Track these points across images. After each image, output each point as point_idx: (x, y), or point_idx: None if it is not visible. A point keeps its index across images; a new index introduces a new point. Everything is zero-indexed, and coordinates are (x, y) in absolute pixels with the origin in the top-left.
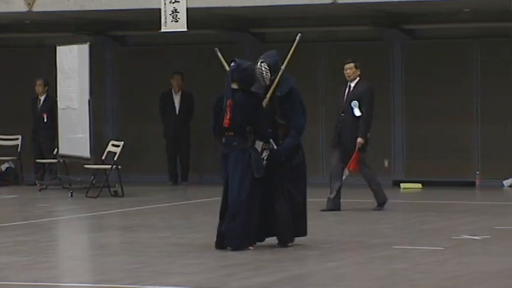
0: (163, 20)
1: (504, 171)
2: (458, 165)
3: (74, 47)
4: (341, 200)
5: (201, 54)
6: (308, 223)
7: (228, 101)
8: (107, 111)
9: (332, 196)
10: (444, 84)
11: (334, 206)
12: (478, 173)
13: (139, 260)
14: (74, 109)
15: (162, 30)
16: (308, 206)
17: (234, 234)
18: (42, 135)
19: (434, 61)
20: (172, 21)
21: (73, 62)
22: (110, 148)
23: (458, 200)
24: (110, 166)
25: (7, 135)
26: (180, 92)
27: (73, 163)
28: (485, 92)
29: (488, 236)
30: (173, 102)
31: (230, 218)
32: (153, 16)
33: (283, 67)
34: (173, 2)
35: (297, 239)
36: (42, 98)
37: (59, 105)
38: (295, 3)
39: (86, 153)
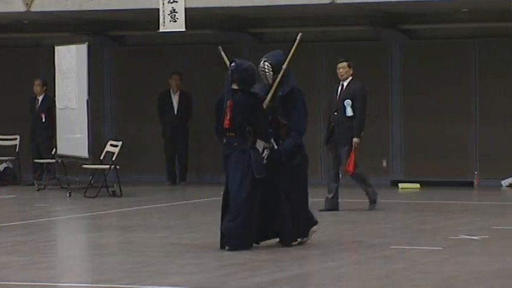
0: (161, 20)
1: (502, 171)
2: (456, 165)
3: (73, 47)
4: (339, 200)
5: (200, 54)
6: None
7: (228, 102)
8: (105, 111)
9: (330, 196)
10: (442, 84)
11: (332, 206)
12: (476, 173)
13: (137, 260)
14: (73, 109)
15: (160, 30)
16: None
17: (234, 234)
18: (41, 135)
19: (432, 61)
20: (170, 21)
21: (71, 62)
22: (108, 148)
23: (456, 200)
24: (108, 166)
25: (5, 135)
26: (178, 92)
27: (71, 163)
28: (484, 92)
29: (487, 236)
30: (171, 102)
31: (230, 218)
32: (151, 16)
33: (284, 66)
34: (172, 2)
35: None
36: (40, 98)
37: (58, 105)
38: (293, 3)
39: (84, 153)
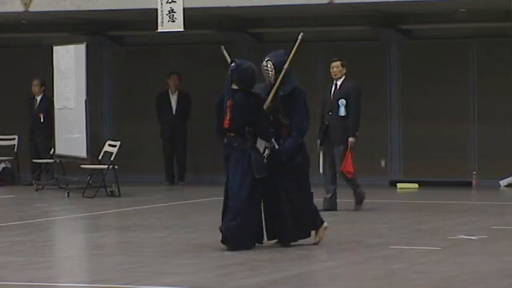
0: (159, 20)
1: (501, 171)
2: (454, 165)
3: (71, 47)
4: (338, 200)
5: (198, 54)
6: None
7: (228, 102)
8: (104, 111)
9: (329, 196)
10: (441, 84)
11: (331, 206)
12: (474, 173)
13: (136, 260)
14: (71, 109)
15: (159, 30)
16: None
17: (233, 234)
18: (39, 135)
19: (430, 61)
20: (168, 21)
21: (69, 62)
22: (106, 148)
23: (454, 200)
24: (106, 166)
25: (4, 135)
26: (177, 92)
27: (70, 163)
28: (482, 92)
29: (485, 236)
30: (170, 102)
31: (230, 218)
32: (150, 16)
33: (285, 66)
34: (170, 2)
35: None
36: (39, 98)
37: (56, 105)
38: (292, 3)
39: (82, 153)
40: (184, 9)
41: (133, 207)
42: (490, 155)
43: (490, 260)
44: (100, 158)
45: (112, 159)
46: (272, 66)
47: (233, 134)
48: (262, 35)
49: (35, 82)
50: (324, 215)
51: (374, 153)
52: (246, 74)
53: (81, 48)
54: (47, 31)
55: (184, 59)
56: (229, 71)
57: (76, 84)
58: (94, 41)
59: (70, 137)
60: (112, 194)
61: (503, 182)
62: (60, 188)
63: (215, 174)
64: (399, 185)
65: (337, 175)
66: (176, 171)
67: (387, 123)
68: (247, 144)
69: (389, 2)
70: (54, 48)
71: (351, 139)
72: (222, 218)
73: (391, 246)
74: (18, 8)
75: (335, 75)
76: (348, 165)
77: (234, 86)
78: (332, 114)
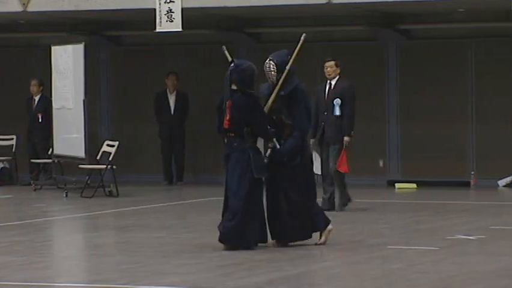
0: (158, 20)
1: (499, 171)
2: (453, 165)
3: (69, 47)
4: (335, 201)
5: (196, 54)
6: None
7: (227, 102)
8: (102, 111)
9: (327, 196)
10: (439, 84)
11: (329, 206)
12: (472, 173)
13: (134, 260)
14: (69, 109)
15: (157, 30)
16: None
17: (231, 234)
18: (37, 135)
19: (429, 61)
20: (167, 21)
21: (67, 62)
22: (105, 148)
23: (453, 200)
24: (105, 166)
25: (2, 135)
26: (175, 92)
27: (68, 163)
28: (481, 92)
29: (483, 236)
30: (168, 102)
31: (228, 218)
32: (148, 16)
33: (287, 67)
34: (168, 2)
35: None
36: (37, 98)
37: (54, 105)
38: (290, 3)
39: (81, 153)
40: (182, 9)
41: (132, 207)
42: (489, 155)
43: (488, 260)
44: (98, 158)
45: (110, 159)
46: (274, 66)
47: (233, 134)
48: (260, 35)
49: (33, 82)
50: None
51: (372, 153)
52: (244, 74)
53: (79, 48)
54: (45, 31)
55: (182, 59)
56: (228, 71)
57: (74, 84)
58: (92, 41)
59: (68, 137)
60: (110, 194)
61: (502, 182)
62: (59, 188)
63: (213, 174)
64: (397, 185)
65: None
66: (175, 171)
67: (385, 123)
68: (246, 144)
69: (387, 2)
70: (53, 48)
71: (346, 138)
72: (222, 217)
73: (389, 246)
74: (17, 8)
75: (329, 75)
76: (343, 164)
77: (233, 86)
78: (327, 114)
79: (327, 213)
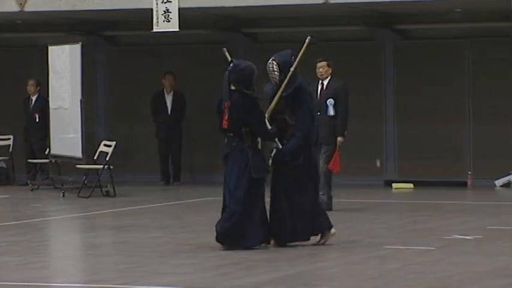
0: (155, 20)
1: (496, 171)
2: (450, 165)
3: (66, 47)
4: (333, 200)
5: (193, 54)
6: None
7: (226, 102)
8: (99, 111)
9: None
10: (436, 84)
11: (326, 206)
12: (469, 173)
13: (131, 260)
14: (66, 109)
15: (154, 30)
16: None
17: (228, 234)
18: (34, 135)
19: (425, 61)
20: (164, 21)
21: (64, 62)
22: (102, 148)
23: (450, 200)
24: (102, 166)
25: None
26: (172, 92)
27: (65, 163)
28: (477, 92)
29: (480, 236)
30: (165, 102)
31: (225, 218)
32: (145, 16)
33: (292, 69)
34: (165, 2)
35: None
36: (34, 98)
37: (51, 105)
38: (287, 3)
39: (78, 153)
40: (179, 9)
41: (129, 207)
42: (485, 155)
43: (485, 260)
44: (95, 158)
45: (107, 159)
46: (276, 66)
47: (232, 134)
48: (257, 35)
49: (31, 82)
50: None
51: (369, 153)
52: (243, 74)
53: (76, 48)
54: (42, 31)
55: (179, 59)
56: (227, 71)
57: (71, 84)
58: (89, 41)
59: (65, 137)
60: (107, 194)
61: (499, 182)
62: (56, 188)
63: (210, 174)
64: (394, 185)
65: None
66: (172, 171)
67: (382, 123)
68: (245, 144)
69: (384, 2)
70: (50, 48)
71: (339, 139)
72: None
73: (386, 246)
74: (14, 8)
75: (321, 75)
76: (336, 165)
77: (232, 87)
78: (320, 114)
79: None
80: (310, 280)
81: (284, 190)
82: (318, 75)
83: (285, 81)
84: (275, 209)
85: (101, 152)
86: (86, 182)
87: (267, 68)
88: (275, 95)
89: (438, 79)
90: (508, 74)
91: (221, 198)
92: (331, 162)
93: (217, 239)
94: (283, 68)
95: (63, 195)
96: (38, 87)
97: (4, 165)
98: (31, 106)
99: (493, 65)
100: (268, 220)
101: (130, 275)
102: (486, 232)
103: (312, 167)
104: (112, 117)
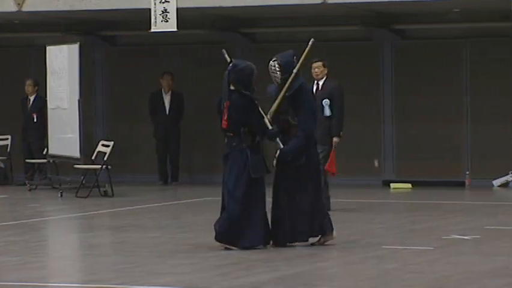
0: (153, 20)
1: (494, 171)
2: (448, 165)
3: (64, 47)
4: (331, 200)
5: (191, 54)
6: None
7: (226, 102)
8: (97, 111)
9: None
10: (434, 84)
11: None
12: (467, 173)
13: (129, 260)
14: (64, 109)
15: (152, 30)
16: None
17: (226, 234)
18: (32, 135)
19: (424, 61)
20: (162, 21)
21: (62, 62)
22: (100, 148)
23: (448, 200)
24: (100, 166)
25: None
26: (170, 92)
27: (63, 163)
28: (476, 92)
29: (478, 236)
30: (163, 102)
31: (224, 217)
32: (143, 16)
33: (295, 70)
34: (163, 2)
35: None
36: (32, 98)
37: (49, 105)
38: (285, 3)
39: (76, 153)
40: (177, 9)
41: (127, 207)
42: (484, 155)
43: (483, 260)
44: (93, 158)
45: (105, 159)
46: (278, 66)
47: (231, 134)
48: (255, 35)
49: (29, 82)
50: None
51: (367, 153)
52: (242, 74)
53: (74, 48)
54: (40, 31)
55: (177, 59)
56: (227, 71)
57: (69, 84)
58: (87, 41)
59: (63, 137)
60: (105, 194)
61: (497, 182)
62: (54, 188)
63: (209, 174)
64: (392, 185)
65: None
66: (170, 171)
67: (380, 123)
68: (244, 144)
69: (382, 2)
70: (48, 48)
71: (335, 139)
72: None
73: (385, 246)
74: (12, 8)
75: (317, 75)
76: (331, 165)
77: (232, 87)
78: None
79: None
80: (309, 280)
81: (285, 190)
82: (314, 75)
83: (288, 82)
84: (275, 209)
85: (99, 152)
86: (84, 182)
87: (269, 69)
88: (278, 95)
89: (436, 79)
90: (507, 74)
91: (219, 198)
92: (327, 163)
93: (216, 239)
94: (285, 68)
95: (61, 195)
96: (36, 87)
97: (2, 165)
98: (29, 106)
99: (491, 65)
100: (269, 220)
101: (128, 275)
102: (484, 232)
103: (314, 167)
104: (110, 117)
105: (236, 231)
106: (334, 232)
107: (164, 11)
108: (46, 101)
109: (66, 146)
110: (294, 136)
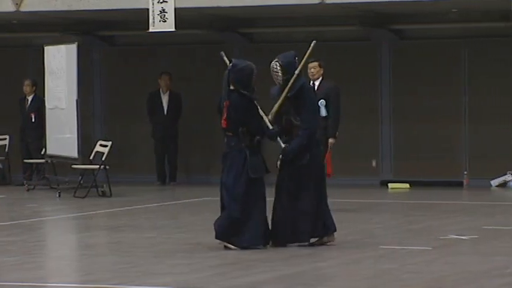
0: (151, 20)
1: (492, 171)
2: (446, 165)
3: (62, 47)
4: (328, 200)
5: (189, 54)
6: None
7: (225, 102)
8: (95, 111)
9: None
10: (432, 84)
11: None
12: (465, 173)
13: (127, 260)
14: (62, 109)
15: (150, 30)
16: None
17: (226, 233)
18: (30, 135)
19: (421, 61)
20: (160, 21)
21: (60, 62)
22: (98, 148)
23: (445, 200)
24: (98, 166)
25: None
26: (168, 92)
27: (61, 163)
28: (474, 92)
29: (476, 236)
30: (161, 102)
31: (223, 216)
32: (141, 16)
33: (297, 71)
34: (162, 2)
35: None
36: (30, 98)
37: (47, 105)
38: (284, 3)
39: (74, 153)
40: (175, 9)
41: (125, 208)
42: (482, 155)
43: (480, 260)
44: (91, 158)
45: (103, 159)
46: (279, 67)
47: (231, 134)
48: (253, 35)
49: (27, 82)
50: None
51: (365, 154)
52: (242, 74)
53: (72, 48)
54: (38, 31)
55: (175, 59)
56: (227, 71)
57: (67, 84)
58: (85, 41)
59: (61, 137)
60: (103, 194)
61: (495, 182)
62: (52, 188)
63: (207, 174)
64: (390, 185)
65: None
66: (168, 171)
67: (378, 123)
68: (242, 143)
69: (380, 2)
70: (46, 48)
71: (331, 140)
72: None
73: (382, 246)
74: (10, 8)
75: (313, 76)
76: (327, 166)
77: (231, 86)
78: None
79: None
80: (307, 280)
81: (287, 190)
82: (310, 75)
83: (290, 83)
84: (277, 209)
85: (97, 152)
86: (82, 182)
87: (271, 69)
88: (280, 96)
89: (434, 79)
90: (505, 74)
91: (217, 199)
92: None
93: (216, 237)
94: (287, 68)
95: (59, 196)
96: (34, 87)
97: (0, 166)
98: (27, 106)
99: (489, 65)
100: (270, 220)
101: (125, 275)
102: (482, 232)
103: (317, 167)
104: (108, 117)
105: (235, 230)
106: (335, 234)
107: (163, 11)
108: (44, 101)
109: (64, 146)
110: (297, 136)
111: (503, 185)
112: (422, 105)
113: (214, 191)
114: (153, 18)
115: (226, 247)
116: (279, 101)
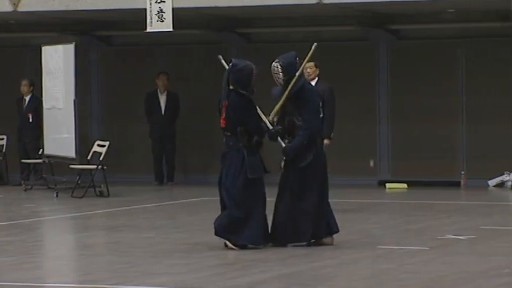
0: (148, 20)
1: (490, 171)
2: (443, 165)
3: (60, 47)
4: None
5: (187, 54)
6: None
7: (224, 102)
8: (92, 111)
9: None
10: (429, 84)
11: None
12: (463, 173)
13: (125, 260)
14: (60, 109)
15: (148, 30)
16: None
17: (225, 232)
18: (28, 135)
19: (419, 61)
20: (157, 21)
21: (58, 62)
22: (95, 148)
23: (443, 200)
24: (95, 166)
25: None
26: (166, 92)
27: (58, 163)
28: (471, 92)
29: (473, 236)
30: (159, 102)
31: (224, 215)
32: (139, 16)
33: (298, 73)
34: (159, 2)
35: None
36: (27, 98)
37: (45, 105)
38: (282, 3)
39: (71, 153)
40: (173, 9)
41: (122, 208)
42: (479, 155)
43: (478, 260)
44: (88, 158)
45: (101, 159)
46: (280, 68)
47: (229, 133)
48: (251, 35)
49: (24, 82)
50: None
51: (363, 153)
52: (241, 74)
53: (70, 48)
54: (36, 31)
55: (173, 59)
56: (227, 71)
57: (64, 84)
58: (83, 41)
59: (59, 137)
60: (100, 194)
61: (492, 182)
62: (49, 188)
63: (204, 174)
64: (388, 185)
65: None
66: (166, 171)
67: (376, 123)
68: (240, 143)
69: (378, 2)
70: (43, 48)
71: (326, 141)
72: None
73: (380, 246)
74: (7, 7)
75: (309, 76)
76: None
77: (231, 86)
78: None
79: None
80: (305, 280)
81: (290, 190)
82: (306, 75)
83: (291, 84)
84: (278, 209)
85: (94, 152)
86: (79, 182)
87: (272, 70)
88: (281, 96)
89: (432, 79)
90: (503, 74)
91: (215, 198)
92: None
93: (216, 234)
94: (287, 69)
95: (56, 196)
96: (32, 87)
97: None
98: (24, 106)
99: (487, 65)
100: (271, 220)
101: (123, 275)
102: (479, 232)
103: (320, 167)
104: (106, 117)
105: (235, 230)
106: (334, 236)
107: (160, 11)
108: (42, 101)
109: (61, 146)
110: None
111: (501, 185)
112: (420, 105)
113: (212, 191)
114: (151, 18)
115: (226, 245)
116: (280, 102)
